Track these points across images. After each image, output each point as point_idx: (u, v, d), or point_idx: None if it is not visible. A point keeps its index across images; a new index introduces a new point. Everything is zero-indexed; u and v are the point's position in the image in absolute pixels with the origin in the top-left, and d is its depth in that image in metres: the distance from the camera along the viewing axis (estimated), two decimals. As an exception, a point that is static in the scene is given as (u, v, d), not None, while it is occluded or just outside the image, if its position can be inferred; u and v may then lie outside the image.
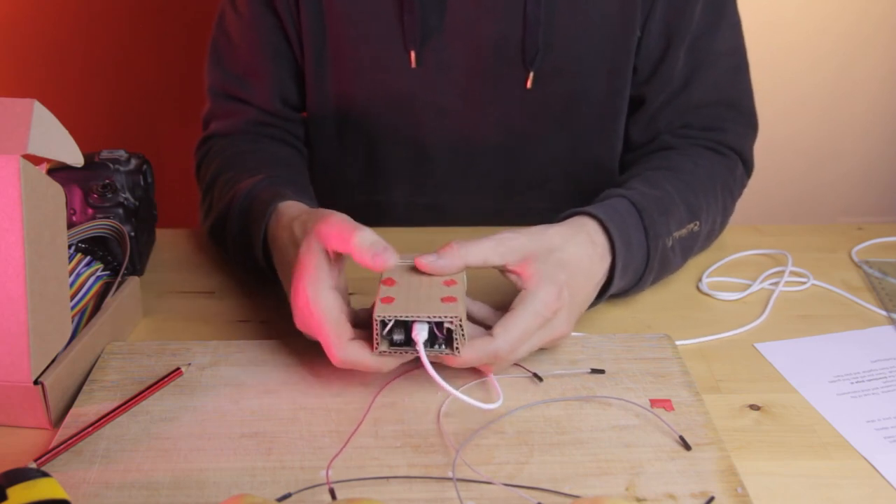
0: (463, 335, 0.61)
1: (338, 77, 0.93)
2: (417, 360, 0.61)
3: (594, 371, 0.68)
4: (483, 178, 0.97)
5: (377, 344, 0.61)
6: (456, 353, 0.61)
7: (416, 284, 0.64)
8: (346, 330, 0.62)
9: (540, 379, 0.67)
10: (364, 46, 0.90)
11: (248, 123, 0.96)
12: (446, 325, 0.61)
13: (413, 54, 0.89)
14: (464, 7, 0.87)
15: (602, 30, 0.88)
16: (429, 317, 0.60)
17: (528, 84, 0.90)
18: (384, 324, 0.61)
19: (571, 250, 0.68)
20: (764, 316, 0.79)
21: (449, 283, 0.64)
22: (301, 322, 0.65)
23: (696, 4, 0.87)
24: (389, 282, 0.64)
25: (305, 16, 0.90)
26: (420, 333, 0.60)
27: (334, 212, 0.66)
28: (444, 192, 0.99)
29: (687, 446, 0.59)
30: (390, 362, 0.62)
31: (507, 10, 0.87)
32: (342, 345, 0.62)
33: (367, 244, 0.61)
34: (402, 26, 0.88)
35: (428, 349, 0.61)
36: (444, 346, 0.61)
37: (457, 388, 0.61)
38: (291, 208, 0.74)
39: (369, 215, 1.02)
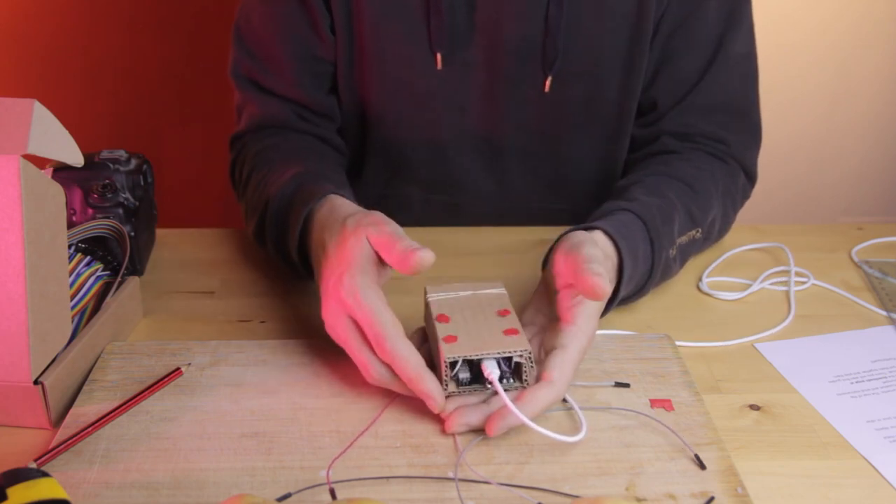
0: (532, 367, 0.61)
1: (360, 75, 0.92)
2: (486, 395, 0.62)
3: (618, 385, 0.67)
4: (500, 178, 0.98)
5: (445, 385, 0.61)
6: (525, 384, 0.61)
7: (472, 318, 0.64)
8: (399, 324, 0.61)
9: (564, 400, 0.65)
10: (390, 47, 0.89)
11: (282, 117, 0.94)
12: (515, 359, 0.61)
13: (439, 56, 0.89)
14: (489, 10, 0.87)
15: (620, 31, 0.87)
16: (499, 352, 0.60)
17: (547, 88, 0.90)
18: (453, 364, 0.60)
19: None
20: (786, 321, 0.79)
21: (503, 314, 0.64)
22: (338, 310, 0.63)
23: (710, 3, 0.87)
24: (444, 318, 0.64)
25: (336, 12, 0.89)
26: (493, 371, 0.60)
27: (385, 218, 0.66)
28: (461, 191, 0.99)
29: (702, 466, 0.58)
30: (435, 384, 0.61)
31: (530, 14, 0.86)
32: (397, 337, 0.60)
33: (402, 252, 0.62)
34: (428, 28, 0.88)
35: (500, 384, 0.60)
36: (512, 380, 0.61)
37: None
38: (345, 203, 0.73)
39: (385, 210, 1.01)
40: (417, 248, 0.62)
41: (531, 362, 0.61)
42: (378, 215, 0.67)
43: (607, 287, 0.60)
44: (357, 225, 0.66)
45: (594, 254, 0.64)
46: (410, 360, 0.60)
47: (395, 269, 0.64)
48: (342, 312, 0.63)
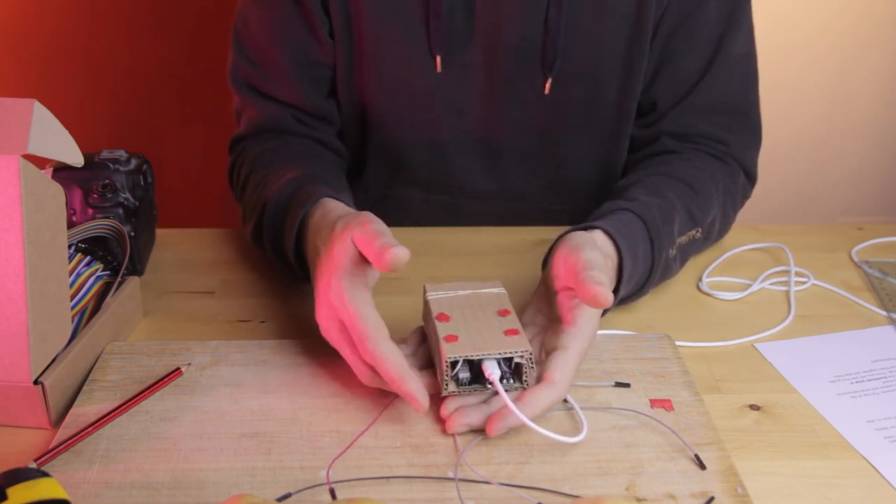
0: (532, 367, 0.61)
1: (360, 77, 0.92)
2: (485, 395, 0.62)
3: (619, 385, 0.67)
4: (500, 179, 0.98)
5: (446, 385, 0.60)
6: (525, 385, 0.61)
7: (472, 318, 0.64)
8: (383, 326, 0.61)
9: (565, 401, 0.65)
10: (389, 49, 0.89)
11: (281, 121, 0.94)
12: (516, 359, 0.60)
13: (439, 59, 0.89)
14: (488, 12, 0.86)
15: (619, 32, 0.87)
16: (500, 353, 0.60)
17: (546, 89, 0.90)
18: (453, 364, 0.60)
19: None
20: (786, 321, 0.79)
21: (504, 314, 0.64)
22: (330, 314, 0.63)
23: (709, 3, 0.86)
24: (444, 317, 0.64)
25: (334, 16, 0.89)
26: (494, 372, 0.60)
27: (372, 217, 0.65)
28: (461, 192, 0.99)
29: (702, 466, 0.58)
30: (415, 381, 0.60)
31: (529, 16, 0.86)
32: (379, 339, 0.60)
33: (379, 246, 0.61)
34: (427, 31, 0.88)
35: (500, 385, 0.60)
36: (512, 380, 0.61)
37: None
38: (337, 206, 0.73)
39: (386, 211, 1.01)
40: (392, 245, 0.60)
41: (532, 363, 0.61)
42: (366, 215, 0.66)
43: (609, 296, 0.60)
44: (345, 226, 0.66)
45: (594, 258, 0.64)
46: (392, 361, 0.59)
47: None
48: (333, 316, 0.63)
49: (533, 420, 0.58)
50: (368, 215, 0.67)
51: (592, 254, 0.65)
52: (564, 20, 0.86)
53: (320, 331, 0.65)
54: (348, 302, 0.61)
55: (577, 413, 0.62)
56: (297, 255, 0.76)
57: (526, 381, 0.61)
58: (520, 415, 0.58)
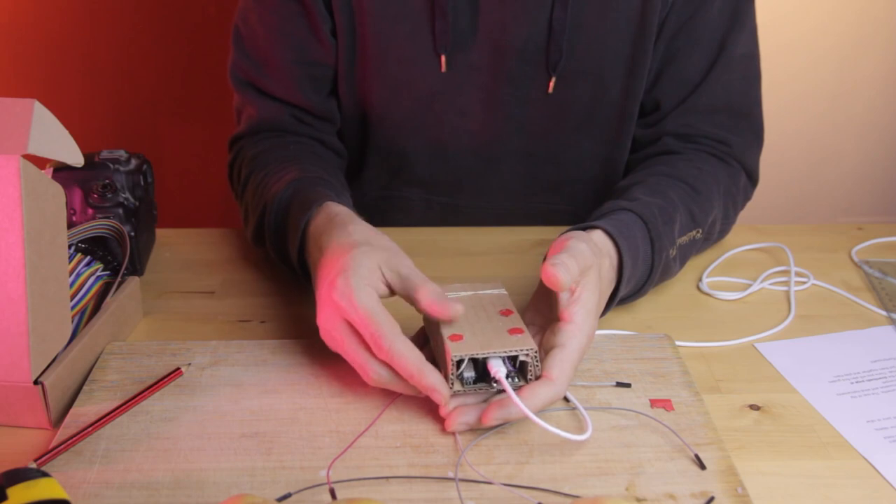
0: (537, 366, 0.61)
1: (362, 76, 0.92)
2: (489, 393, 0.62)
3: (619, 385, 0.67)
4: (501, 179, 0.97)
5: (451, 384, 0.60)
6: (531, 381, 0.61)
7: (475, 317, 0.64)
8: (396, 323, 0.61)
9: (567, 400, 0.65)
10: (394, 49, 0.89)
11: (280, 120, 0.94)
12: (521, 358, 0.60)
13: (443, 59, 0.89)
14: (493, 13, 0.86)
15: (623, 32, 0.87)
16: (505, 351, 0.60)
17: (550, 89, 0.90)
18: (458, 363, 0.60)
19: (602, 273, 0.68)
20: (786, 321, 0.79)
21: (506, 313, 0.64)
22: (334, 315, 0.63)
23: (713, 4, 0.87)
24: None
25: (337, 15, 0.89)
26: (499, 370, 0.60)
27: (398, 249, 0.66)
28: (461, 192, 0.99)
29: (702, 466, 0.58)
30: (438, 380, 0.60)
31: (534, 16, 0.86)
32: (395, 335, 0.60)
33: (436, 296, 0.61)
34: (432, 31, 0.88)
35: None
36: (517, 379, 0.61)
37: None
38: (342, 210, 0.73)
39: (385, 211, 1.02)
40: (450, 301, 0.62)
41: (537, 361, 0.61)
42: (387, 240, 0.67)
43: (562, 278, 0.60)
44: (367, 243, 0.66)
45: (576, 246, 0.64)
46: (410, 355, 0.59)
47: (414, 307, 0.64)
48: (337, 316, 0.63)
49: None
50: (388, 240, 0.67)
51: (577, 244, 0.65)
52: (569, 20, 0.86)
53: (320, 333, 0.65)
54: (357, 301, 0.61)
55: (581, 412, 0.62)
56: (299, 260, 0.76)
57: (531, 379, 0.61)
58: (526, 411, 0.57)
